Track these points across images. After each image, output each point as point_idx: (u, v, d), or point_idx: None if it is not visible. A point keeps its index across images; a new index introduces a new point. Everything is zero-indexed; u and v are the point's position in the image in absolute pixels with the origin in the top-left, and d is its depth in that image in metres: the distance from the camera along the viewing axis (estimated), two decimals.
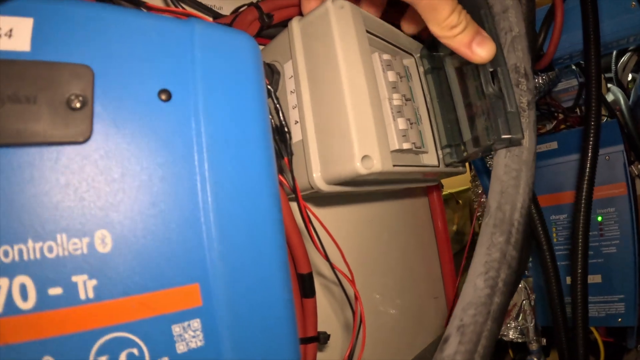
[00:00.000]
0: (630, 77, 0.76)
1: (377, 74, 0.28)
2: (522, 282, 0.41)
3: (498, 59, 0.28)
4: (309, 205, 0.28)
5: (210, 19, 0.32)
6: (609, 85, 0.74)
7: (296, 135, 0.26)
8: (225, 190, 0.14)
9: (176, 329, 0.13)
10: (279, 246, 0.15)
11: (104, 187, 0.13)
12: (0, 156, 0.12)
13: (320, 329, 0.25)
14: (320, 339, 0.25)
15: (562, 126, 0.65)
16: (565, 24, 0.48)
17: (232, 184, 0.14)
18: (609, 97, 0.70)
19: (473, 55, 0.26)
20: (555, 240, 0.56)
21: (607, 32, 0.49)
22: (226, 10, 0.35)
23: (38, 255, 0.12)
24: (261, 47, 0.33)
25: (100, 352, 0.12)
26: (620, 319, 0.54)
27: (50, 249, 0.12)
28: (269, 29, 0.30)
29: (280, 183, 0.20)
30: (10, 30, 0.13)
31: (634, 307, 0.53)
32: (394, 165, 0.25)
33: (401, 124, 0.29)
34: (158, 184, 0.13)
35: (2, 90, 0.12)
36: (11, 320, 0.11)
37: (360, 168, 0.23)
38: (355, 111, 0.24)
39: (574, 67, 0.66)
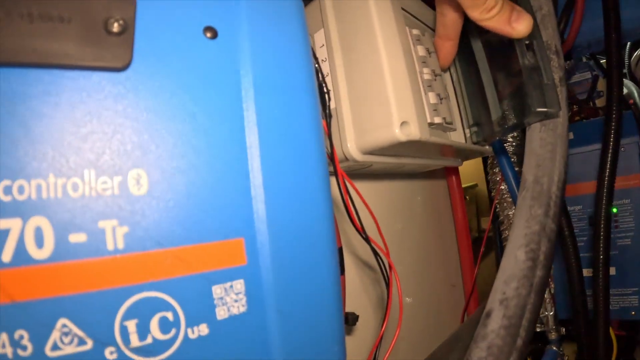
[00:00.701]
0: None
1: (410, 46, 0.26)
2: None
3: (534, 32, 0.26)
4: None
5: None
6: (622, 78, 0.72)
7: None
8: (273, 136, 0.12)
9: (217, 290, 0.11)
10: (326, 204, 0.13)
11: (142, 122, 0.11)
12: (24, 77, 0.09)
13: (348, 309, 0.23)
14: (349, 320, 0.23)
15: (577, 118, 0.63)
16: (585, 11, 0.46)
17: (280, 131, 0.12)
18: (623, 91, 0.69)
19: (513, 31, 0.25)
20: None
21: (626, 20, 0.47)
22: None
23: (60, 194, 0.09)
24: None
25: (128, 315, 0.10)
26: (633, 312, 0.53)
27: (75, 187, 0.10)
28: None
29: None
30: None
31: None
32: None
33: (432, 98, 0.27)
34: (203, 124, 0.11)
35: (33, 7, 0.10)
36: (21, 272, 0.09)
37: (400, 134, 0.21)
38: (394, 78, 0.22)
39: (585, 59, 0.64)
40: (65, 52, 0.10)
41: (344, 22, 0.25)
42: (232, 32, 0.13)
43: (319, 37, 0.26)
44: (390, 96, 0.21)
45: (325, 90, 0.18)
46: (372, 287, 0.29)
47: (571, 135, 0.59)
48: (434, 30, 0.33)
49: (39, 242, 0.09)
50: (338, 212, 0.21)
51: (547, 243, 0.22)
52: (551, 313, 0.40)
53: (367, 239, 0.20)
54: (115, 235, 0.10)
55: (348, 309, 0.24)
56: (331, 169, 0.19)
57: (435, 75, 0.29)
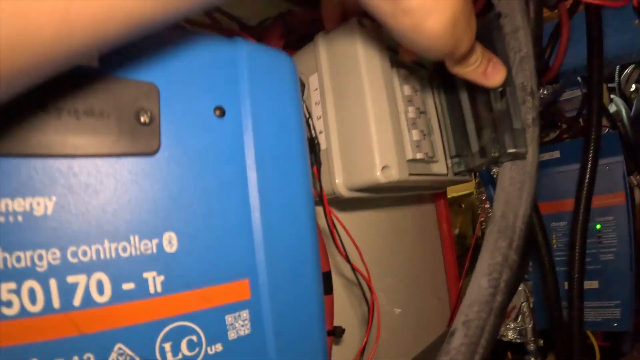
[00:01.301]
0: (633, 87, 0.77)
1: (395, 88, 0.30)
2: (521, 285, 0.43)
3: (507, 79, 0.30)
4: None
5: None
6: (612, 96, 0.75)
7: (321, 145, 0.28)
8: (271, 198, 0.16)
9: (229, 318, 0.15)
10: (313, 248, 0.17)
11: (170, 194, 0.15)
12: (80, 167, 0.13)
13: (336, 323, 0.27)
14: (336, 333, 0.27)
15: (565, 135, 0.67)
16: (571, 38, 0.49)
17: (277, 192, 0.16)
18: (612, 108, 0.72)
19: (487, 82, 0.28)
20: (555, 246, 0.57)
21: (610, 48, 0.51)
22: (252, 21, 0.37)
23: (114, 255, 0.13)
24: None
25: (165, 339, 0.14)
26: (616, 324, 0.55)
27: (125, 249, 0.14)
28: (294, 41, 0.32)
29: None
30: None
31: (629, 313, 0.54)
32: (409, 175, 0.27)
33: (415, 135, 0.31)
34: (216, 192, 0.15)
35: (79, 103, 0.14)
36: (88, 312, 0.13)
37: (381, 177, 0.25)
38: (377, 125, 0.26)
39: (578, 78, 0.67)
40: (110, 144, 0.14)
41: (335, 68, 0.28)
42: (237, 110, 0.17)
43: (313, 81, 0.30)
44: (373, 142, 0.25)
45: (316, 142, 0.22)
46: (358, 304, 0.34)
47: (558, 154, 0.62)
48: (421, 65, 0.37)
49: (100, 291, 0.13)
50: (327, 239, 0.25)
51: (508, 272, 0.26)
52: (530, 325, 0.44)
53: (352, 268, 0.24)
54: (155, 282, 0.14)
55: (336, 323, 0.28)
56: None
57: (420, 113, 0.33)
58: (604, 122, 0.69)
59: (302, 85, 0.30)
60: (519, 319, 0.43)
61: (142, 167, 0.15)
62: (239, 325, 0.15)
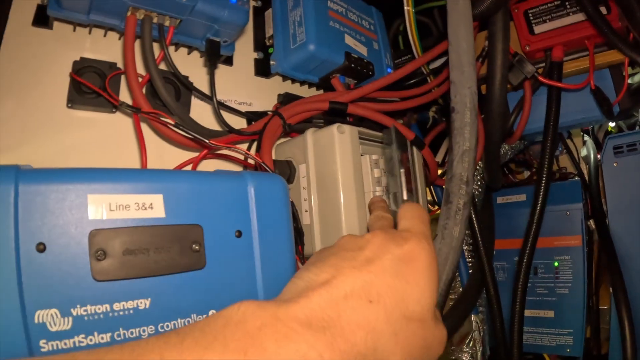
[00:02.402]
0: (610, 125, 0.84)
1: (365, 172, 0.40)
2: (474, 316, 0.54)
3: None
4: None
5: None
6: (586, 138, 0.82)
7: (306, 220, 0.38)
8: (268, 280, 0.27)
9: None
10: None
11: (212, 289, 0.25)
12: (160, 280, 0.24)
13: None
14: None
15: (535, 177, 0.76)
16: (534, 106, 0.59)
17: (273, 278, 0.27)
18: (583, 152, 0.80)
19: None
20: None
21: (569, 119, 0.60)
22: (257, 104, 0.47)
23: (187, 323, 0.24)
24: (283, 140, 0.45)
25: None
26: (568, 349, 0.64)
27: (189, 321, 0.24)
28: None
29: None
30: (151, 204, 0.24)
31: (580, 341, 0.63)
32: None
33: None
34: (236, 284, 0.26)
35: (150, 245, 0.24)
36: None
37: None
38: (346, 209, 0.36)
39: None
40: (176, 265, 0.24)
41: (319, 161, 0.39)
42: (248, 230, 0.27)
43: (302, 169, 0.40)
44: (342, 222, 0.36)
45: (301, 231, 0.33)
46: None
47: (524, 197, 0.72)
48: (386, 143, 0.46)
49: None
50: None
51: None
52: (480, 351, 0.55)
53: None
54: None
55: None
56: None
57: (386, 191, 0.43)
58: (572, 168, 0.79)
59: (294, 170, 0.40)
60: (471, 344, 0.53)
61: (197, 277, 0.25)
62: None
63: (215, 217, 0.26)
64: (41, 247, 0.22)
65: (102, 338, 0.22)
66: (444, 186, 0.64)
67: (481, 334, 0.53)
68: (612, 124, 0.82)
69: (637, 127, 0.75)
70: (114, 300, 0.23)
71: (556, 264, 0.69)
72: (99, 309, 0.23)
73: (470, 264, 0.61)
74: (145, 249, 0.24)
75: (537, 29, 0.56)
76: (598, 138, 0.83)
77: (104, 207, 0.23)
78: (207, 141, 0.30)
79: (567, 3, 0.54)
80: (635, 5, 0.45)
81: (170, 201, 0.25)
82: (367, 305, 0.21)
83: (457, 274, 0.58)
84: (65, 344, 0.21)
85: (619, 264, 0.57)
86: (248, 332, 0.18)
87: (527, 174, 0.82)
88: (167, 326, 0.24)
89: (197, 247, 0.25)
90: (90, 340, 0.22)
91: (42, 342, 0.21)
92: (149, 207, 0.25)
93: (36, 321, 0.21)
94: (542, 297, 0.69)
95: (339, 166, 0.37)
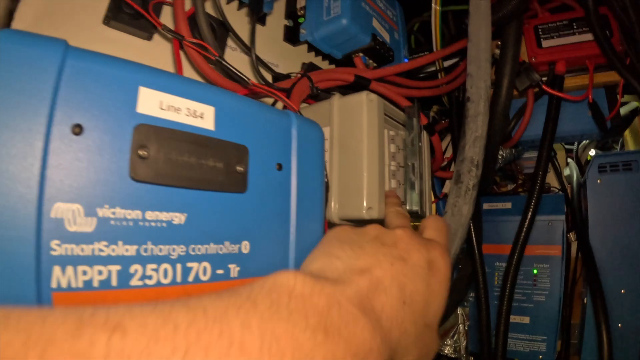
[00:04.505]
0: (590, 154, 0.92)
1: (384, 146, 0.43)
2: (459, 309, 0.57)
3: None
4: None
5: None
6: (569, 159, 0.90)
7: None
8: (302, 220, 0.28)
9: None
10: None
11: (249, 217, 0.25)
12: (203, 195, 0.24)
13: None
14: None
15: (520, 189, 0.82)
16: (534, 116, 0.64)
17: (305, 217, 0.28)
18: (566, 171, 0.87)
19: None
20: (496, 282, 0.72)
21: (564, 129, 0.66)
22: (281, 68, 0.48)
23: (215, 252, 0.23)
24: (306, 105, 0.47)
25: None
26: (541, 356, 0.67)
27: (221, 249, 0.23)
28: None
29: None
30: (202, 114, 0.24)
31: (553, 349, 0.67)
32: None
33: (393, 184, 0.43)
34: (273, 217, 0.26)
35: (203, 155, 0.24)
36: (196, 286, 0.22)
37: (366, 215, 0.37)
38: (368, 176, 0.38)
39: None
40: (220, 183, 0.25)
41: (344, 126, 0.41)
42: (288, 165, 0.28)
43: (326, 132, 0.42)
44: (364, 188, 0.38)
45: (327, 181, 0.34)
46: None
47: (509, 205, 0.77)
48: (404, 126, 0.50)
49: (204, 273, 0.24)
50: None
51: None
52: (463, 344, 0.57)
53: None
54: (235, 271, 0.24)
55: None
56: None
57: (400, 167, 0.45)
58: (556, 183, 0.85)
59: None
60: (455, 337, 0.56)
61: (236, 200, 0.25)
62: None
63: (261, 144, 0.27)
64: (77, 130, 0.19)
65: (127, 250, 0.20)
66: (443, 177, 0.67)
67: (465, 328, 0.56)
68: (592, 153, 0.91)
69: (619, 149, 0.83)
70: (147, 208, 0.21)
71: (535, 271, 0.73)
72: (130, 214, 0.20)
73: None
74: (191, 157, 0.23)
75: (545, 44, 0.61)
76: (580, 161, 0.91)
77: (155, 103, 0.22)
78: (250, 82, 0.31)
79: (574, 23, 0.60)
80: (637, 31, 0.51)
81: (221, 116, 0.25)
82: (402, 306, 0.22)
83: None
84: (82, 249, 0.18)
85: (598, 273, 0.62)
86: (317, 311, 0.18)
87: (510, 186, 0.88)
88: (199, 249, 0.23)
89: (241, 169, 0.25)
90: (113, 250, 0.19)
91: (54, 243, 0.18)
92: (199, 116, 0.24)
93: (52, 215, 0.18)
94: (519, 303, 0.72)
95: (365, 131, 0.39)
